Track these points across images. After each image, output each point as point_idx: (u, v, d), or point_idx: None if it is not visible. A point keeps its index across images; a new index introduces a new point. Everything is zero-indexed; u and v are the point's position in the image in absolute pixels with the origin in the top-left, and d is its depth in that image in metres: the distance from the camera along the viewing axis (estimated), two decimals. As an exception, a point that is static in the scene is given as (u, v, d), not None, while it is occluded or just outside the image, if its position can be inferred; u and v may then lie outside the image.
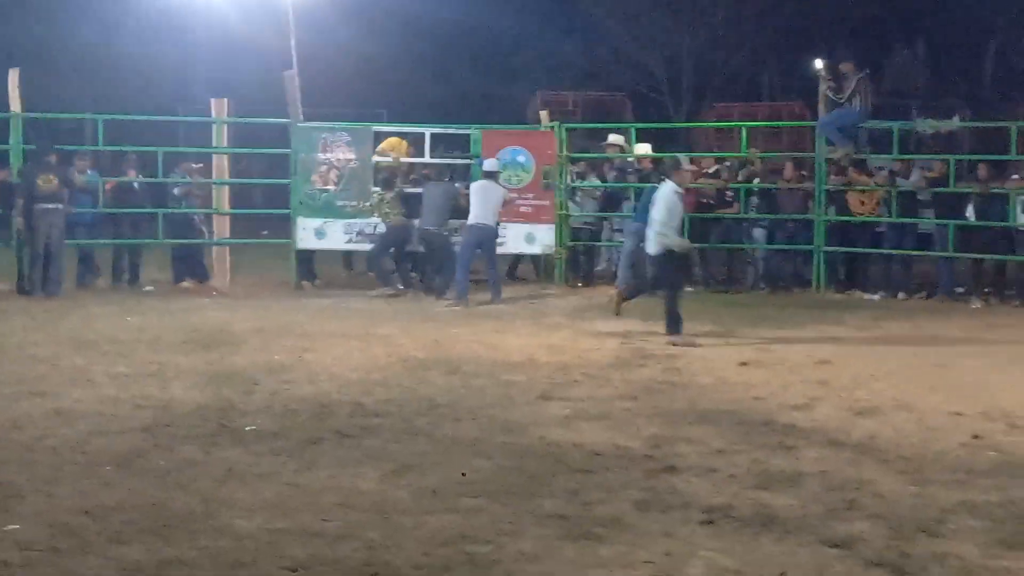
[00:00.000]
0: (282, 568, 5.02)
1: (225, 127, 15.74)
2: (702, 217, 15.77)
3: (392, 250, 14.92)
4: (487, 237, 14.14)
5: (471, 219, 14.01)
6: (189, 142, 19.32)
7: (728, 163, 16.47)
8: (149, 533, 5.45)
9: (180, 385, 8.81)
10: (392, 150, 15.91)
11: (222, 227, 15.70)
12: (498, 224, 14.41)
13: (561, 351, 10.46)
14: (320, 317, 12.61)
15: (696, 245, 15.85)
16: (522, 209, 15.79)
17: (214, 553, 5.20)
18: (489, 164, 14.56)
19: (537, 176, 15.77)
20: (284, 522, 5.64)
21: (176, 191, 15.34)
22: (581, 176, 16.65)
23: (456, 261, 14.10)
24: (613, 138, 16.86)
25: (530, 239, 15.86)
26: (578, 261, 16.35)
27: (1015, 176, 14.40)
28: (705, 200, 15.87)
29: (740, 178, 15.89)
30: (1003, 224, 14.11)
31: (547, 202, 15.83)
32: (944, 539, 5.46)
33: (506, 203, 14.52)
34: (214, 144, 15.75)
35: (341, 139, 15.47)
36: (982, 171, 14.50)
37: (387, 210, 14.89)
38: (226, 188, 15.83)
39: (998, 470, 6.64)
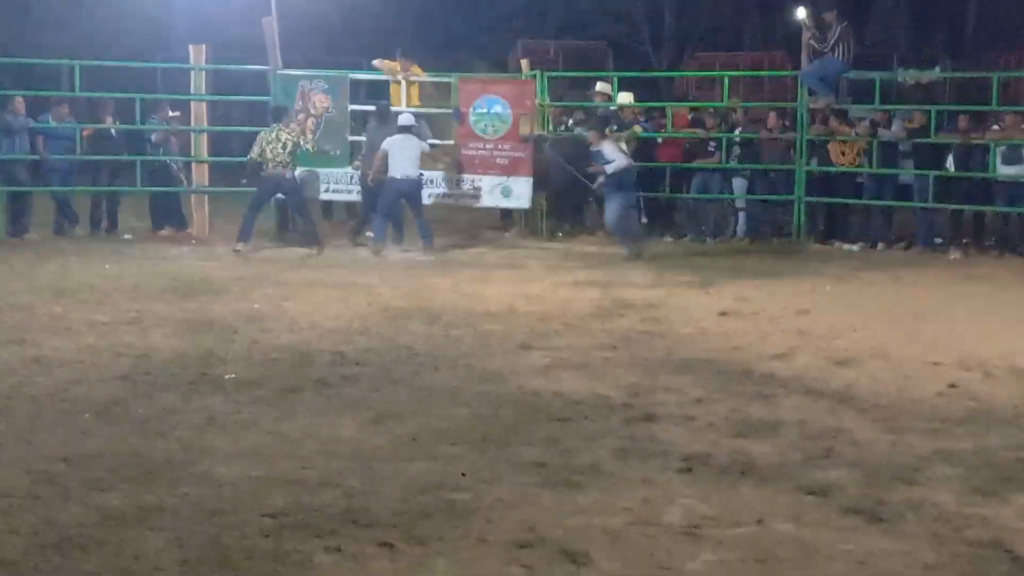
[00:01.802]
0: (262, 515, 5.04)
1: (204, 74, 15.60)
2: (684, 167, 15.76)
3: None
4: (412, 188, 13.93)
5: (392, 172, 13.76)
6: (167, 89, 19.12)
7: (711, 112, 16.42)
8: (129, 481, 5.46)
9: (159, 333, 8.80)
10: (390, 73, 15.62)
11: (201, 175, 15.60)
12: (421, 175, 14.11)
13: (541, 301, 10.47)
14: (300, 266, 12.58)
15: (678, 195, 15.92)
16: (498, 161, 15.42)
17: (194, 500, 5.22)
18: (404, 119, 14.20)
19: (514, 126, 15.38)
20: (264, 470, 5.66)
21: (153, 138, 15.21)
22: (563, 125, 16.58)
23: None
24: (600, 86, 16.74)
25: (506, 192, 15.44)
26: (561, 211, 16.24)
27: (995, 127, 14.41)
28: (688, 147, 15.85)
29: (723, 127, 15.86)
30: (983, 175, 14.14)
31: (524, 154, 15.39)
32: (920, 487, 5.51)
33: (430, 154, 14.28)
34: (192, 91, 15.61)
35: (318, 87, 15.31)
36: (962, 122, 14.51)
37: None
38: (204, 135, 15.71)
39: (973, 418, 6.70)
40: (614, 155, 13.56)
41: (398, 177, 13.77)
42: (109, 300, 10.18)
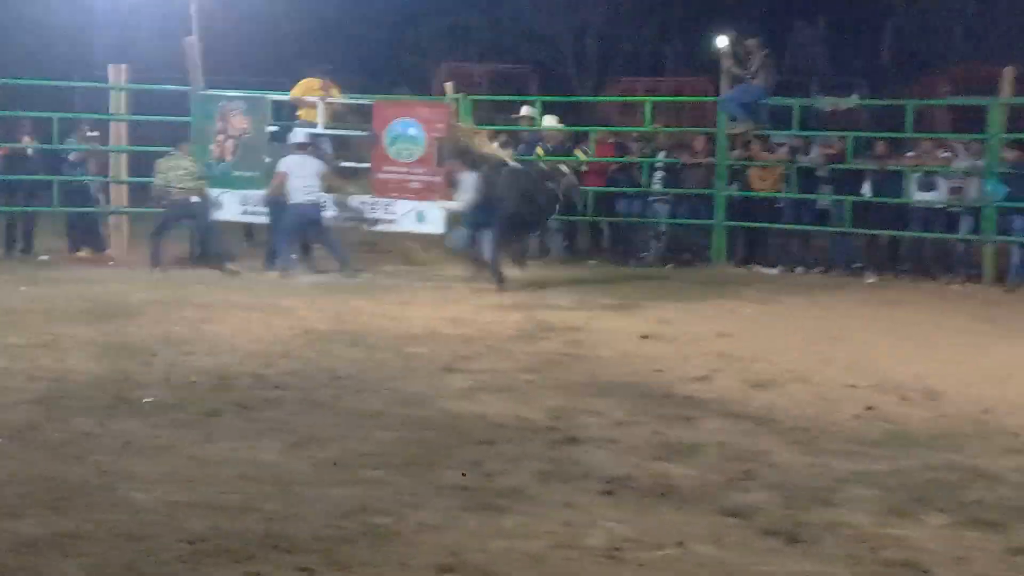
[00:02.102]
0: (180, 541, 4.97)
1: (123, 94, 15.41)
2: (607, 191, 15.87)
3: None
4: (313, 214, 13.49)
5: (292, 197, 13.40)
6: (86, 108, 18.82)
7: (636, 137, 16.57)
8: (44, 506, 5.35)
9: (76, 356, 8.64)
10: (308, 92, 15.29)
11: (119, 195, 15.39)
12: (320, 199, 13.70)
13: (464, 324, 10.47)
14: (220, 288, 12.44)
15: (601, 218, 16.01)
16: (411, 185, 14.86)
17: (111, 526, 5.13)
18: (298, 135, 13.81)
19: (429, 150, 14.85)
20: (183, 495, 5.58)
21: (71, 158, 14.99)
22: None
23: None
24: (525, 110, 16.80)
25: (420, 218, 14.84)
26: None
27: (910, 153, 14.71)
28: (611, 173, 15.97)
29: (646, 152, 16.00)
30: (898, 200, 14.41)
31: (438, 178, 14.77)
32: (837, 508, 5.59)
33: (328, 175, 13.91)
34: (111, 111, 15.41)
35: (238, 108, 15.15)
36: (880, 148, 14.80)
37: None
38: (124, 156, 15.51)
39: (889, 441, 6.82)
40: (468, 187, 13.19)
41: (298, 202, 13.36)
42: (24, 322, 9.98)
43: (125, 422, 6.86)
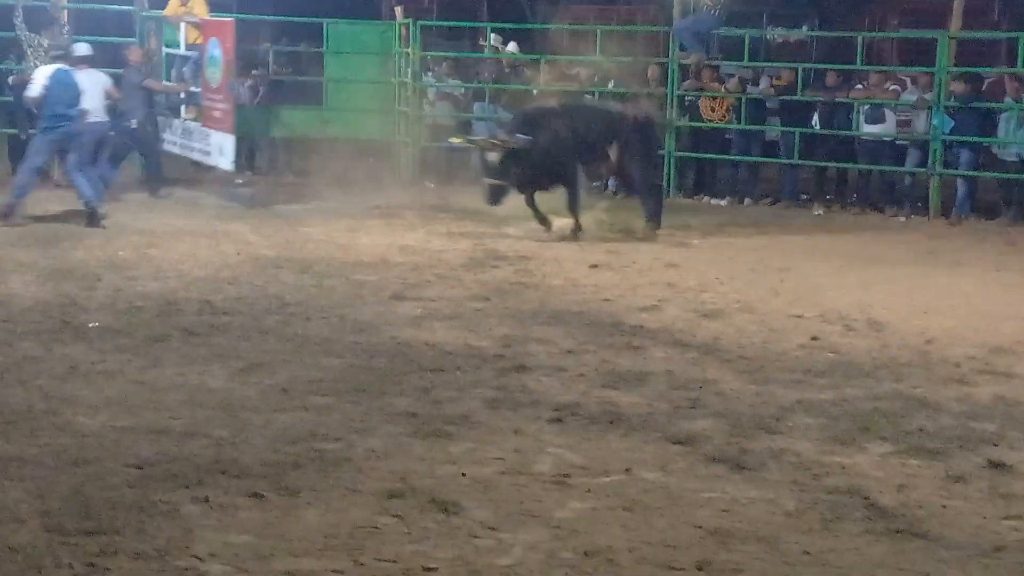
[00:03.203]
0: (127, 465, 4.96)
1: (65, 12, 15.05)
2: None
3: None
4: (99, 134, 12.13)
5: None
6: (30, 29, 18.40)
7: (585, 66, 16.46)
8: (-13, 431, 5.31)
9: (19, 280, 8.53)
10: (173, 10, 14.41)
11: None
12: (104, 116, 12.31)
13: (414, 252, 10.43)
14: (166, 213, 12.28)
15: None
16: (215, 113, 13.64)
17: (56, 450, 5.10)
18: (80, 47, 12.50)
19: (225, 74, 13.54)
20: (129, 420, 5.55)
21: (11, 80, 14.65)
22: (440, 77, 16.47)
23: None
24: (494, 39, 16.62)
25: (221, 150, 13.51)
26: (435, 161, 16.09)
27: (859, 86, 14.74)
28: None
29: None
30: (847, 133, 14.47)
31: (228, 106, 13.41)
32: (782, 436, 5.67)
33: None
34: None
35: (151, 28, 14.59)
36: (829, 80, 14.81)
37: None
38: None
39: (834, 370, 6.90)
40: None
41: (91, 122, 11.97)
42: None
43: (70, 347, 6.80)
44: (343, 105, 15.65)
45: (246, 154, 15.31)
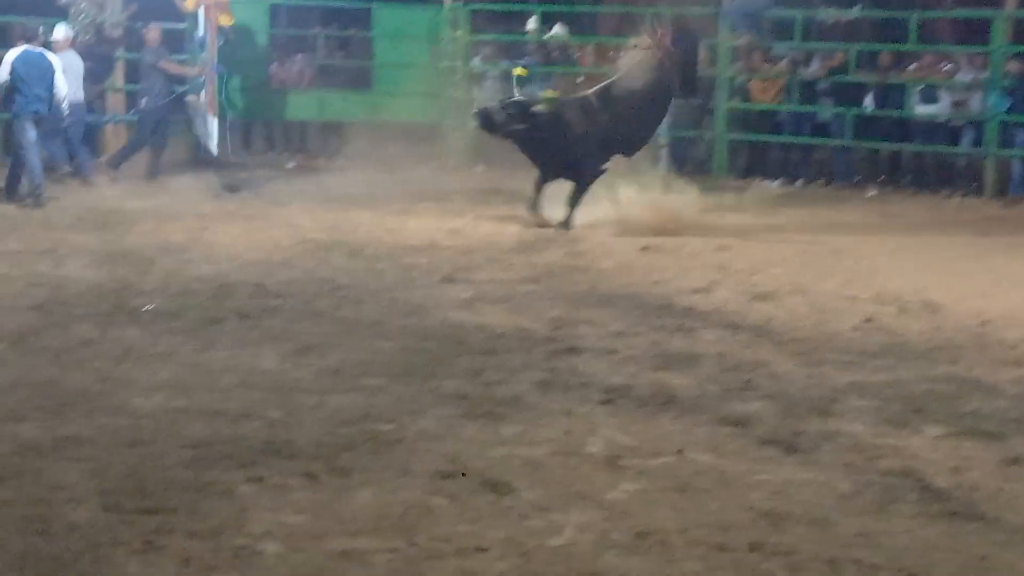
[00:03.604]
0: (182, 446, 5.00)
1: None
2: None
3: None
4: (76, 116, 12.39)
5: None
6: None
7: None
8: (45, 411, 5.39)
9: (74, 264, 8.64)
10: None
11: (117, 103, 15.22)
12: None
13: (463, 235, 10.44)
14: (216, 198, 12.37)
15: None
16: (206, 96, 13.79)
17: (112, 431, 5.16)
18: (58, 30, 12.56)
19: (210, 55, 13.62)
20: (183, 401, 5.61)
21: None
22: (488, 60, 16.44)
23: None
24: (532, 24, 16.54)
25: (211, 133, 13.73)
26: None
27: (913, 66, 14.57)
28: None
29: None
30: (900, 114, 14.31)
31: (212, 87, 13.54)
32: (835, 418, 5.62)
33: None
34: (108, 18, 15.17)
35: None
36: (883, 60, 14.64)
37: None
38: (120, 62, 15.31)
39: (887, 352, 6.84)
40: None
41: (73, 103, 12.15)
42: (22, 230, 9.97)
43: (124, 329, 6.88)
44: (392, 89, 15.69)
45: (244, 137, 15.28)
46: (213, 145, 13.65)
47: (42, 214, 10.80)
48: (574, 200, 10.88)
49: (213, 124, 13.63)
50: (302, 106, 15.87)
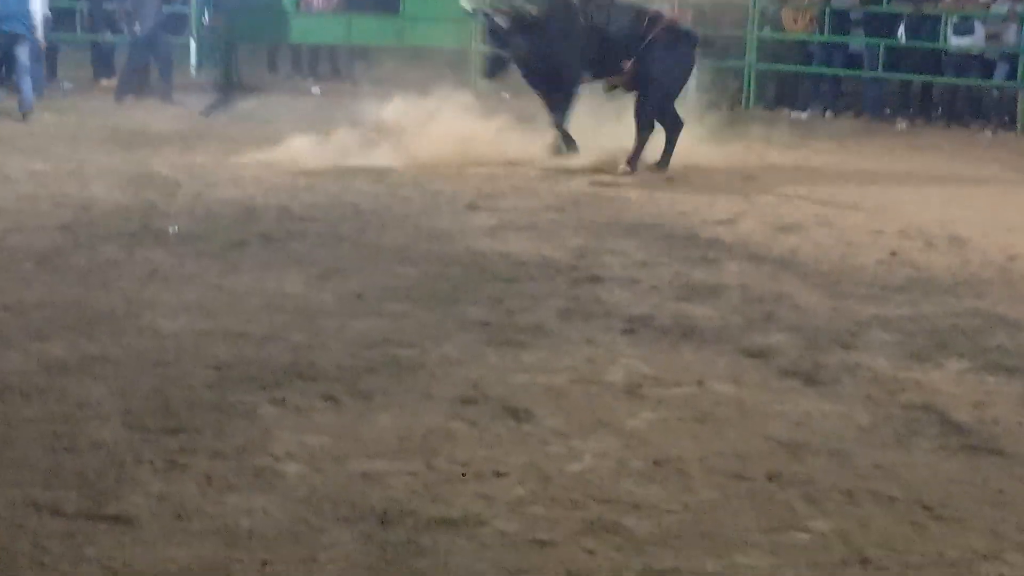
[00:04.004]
0: (206, 367, 5.05)
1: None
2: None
3: None
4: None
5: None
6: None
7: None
8: (71, 330, 5.44)
9: (100, 185, 8.67)
10: None
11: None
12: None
13: (489, 162, 10.39)
14: (244, 121, 12.35)
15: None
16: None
17: (138, 351, 5.21)
18: None
19: None
20: (208, 323, 5.65)
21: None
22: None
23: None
24: None
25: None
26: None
27: (948, -2, 14.36)
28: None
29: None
30: (933, 45, 14.12)
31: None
32: (857, 351, 5.61)
33: None
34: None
35: None
36: (916, -9, 14.44)
37: None
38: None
39: (912, 286, 6.81)
40: None
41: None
42: (49, 149, 10.00)
43: (150, 251, 6.91)
44: (420, 13, 15.55)
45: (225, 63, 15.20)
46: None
47: (70, 133, 10.81)
48: (560, 112, 10.30)
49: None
50: (329, 30, 15.77)
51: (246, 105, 13.05)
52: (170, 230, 7.40)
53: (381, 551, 3.59)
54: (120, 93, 13.45)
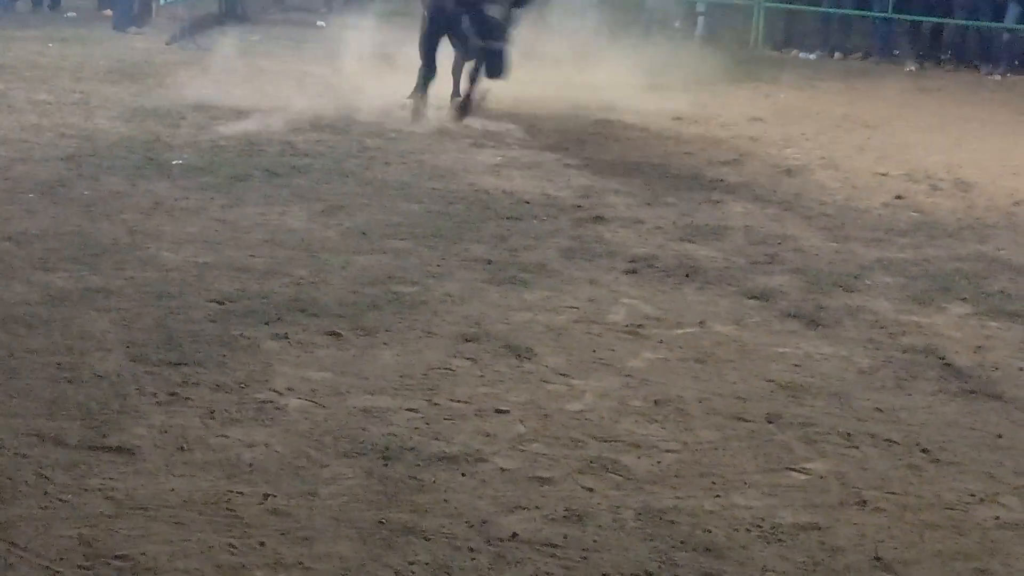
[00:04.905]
0: (209, 300, 5.06)
1: None
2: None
3: None
4: None
5: None
6: None
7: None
8: (74, 261, 5.45)
9: (104, 115, 8.63)
10: None
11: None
12: None
13: (494, 99, 10.31)
14: (251, 53, 12.27)
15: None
16: None
17: (140, 283, 5.22)
18: None
19: None
20: (211, 256, 5.65)
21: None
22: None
23: None
24: None
25: None
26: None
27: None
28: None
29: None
30: (944, -13, 13.97)
31: None
32: (859, 294, 5.63)
33: None
34: None
35: None
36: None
37: None
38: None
39: (917, 230, 6.80)
40: None
41: None
42: (52, 80, 9.94)
43: (154, 183, 6.90)
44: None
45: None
46: None
47: (74, 64, 10.74)
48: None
49: None
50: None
51: (252, 38, 12.97)
52: (173, 162, 7.37)
53: (382, 486, 3.62)
54: (119, 23, 13.34)
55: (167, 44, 12.14)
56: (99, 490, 3.51)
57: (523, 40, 13.20)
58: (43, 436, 3.81)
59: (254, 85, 10.22)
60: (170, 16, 13.70)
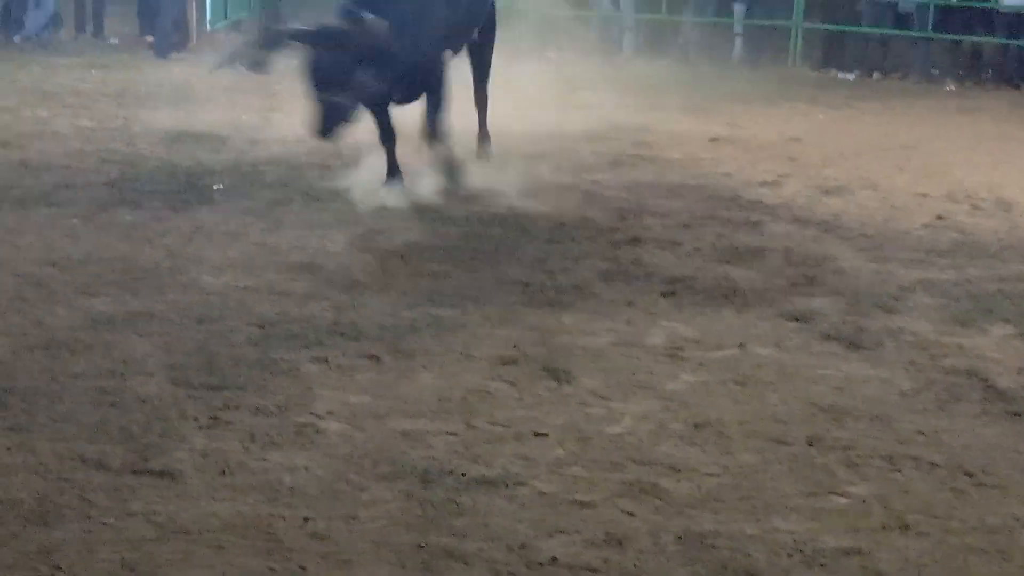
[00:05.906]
0: (250, 324, 5.10)
1: None
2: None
3: None
4: None
5: None
6: None
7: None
8: (116, 286, 5.50)
9: (146, 141, 8.72)
10: None
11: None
12: None
13: (532, 122, 10.34)
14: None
15: (676, 18, 15.58)
16: None
17: (182, 307, 5.26)
18: None
19: None
20: (251, 280, 5.69)
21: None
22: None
23: None
24: None
25: None
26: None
27: (1001, -44, 14.10)
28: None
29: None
30: (985, 5, 13.90)
31: None
32: (900, 315, 5.58)
33: None
34: None
35: None
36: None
37: None
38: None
39: (957, 250, 6.74)
40: None
41: None
42: (95, 106, 10.06)
43: (195, 208, 6.96)
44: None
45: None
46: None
47: (116, 90, 10.86)
48: (442, 114, 8.01)
49: None
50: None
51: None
52: (214, 187, 7.44)
53: (421, 509, 3.63)
54: (160, 50, 13.49)
55: (210, 72, 12.21)
56: (141, 514, 3.53)
57: (559, 64, 13.28)
58: (86, 460, 3.84)
59: (294, 110, 10.28)
60: (211, 42, 13.84)
